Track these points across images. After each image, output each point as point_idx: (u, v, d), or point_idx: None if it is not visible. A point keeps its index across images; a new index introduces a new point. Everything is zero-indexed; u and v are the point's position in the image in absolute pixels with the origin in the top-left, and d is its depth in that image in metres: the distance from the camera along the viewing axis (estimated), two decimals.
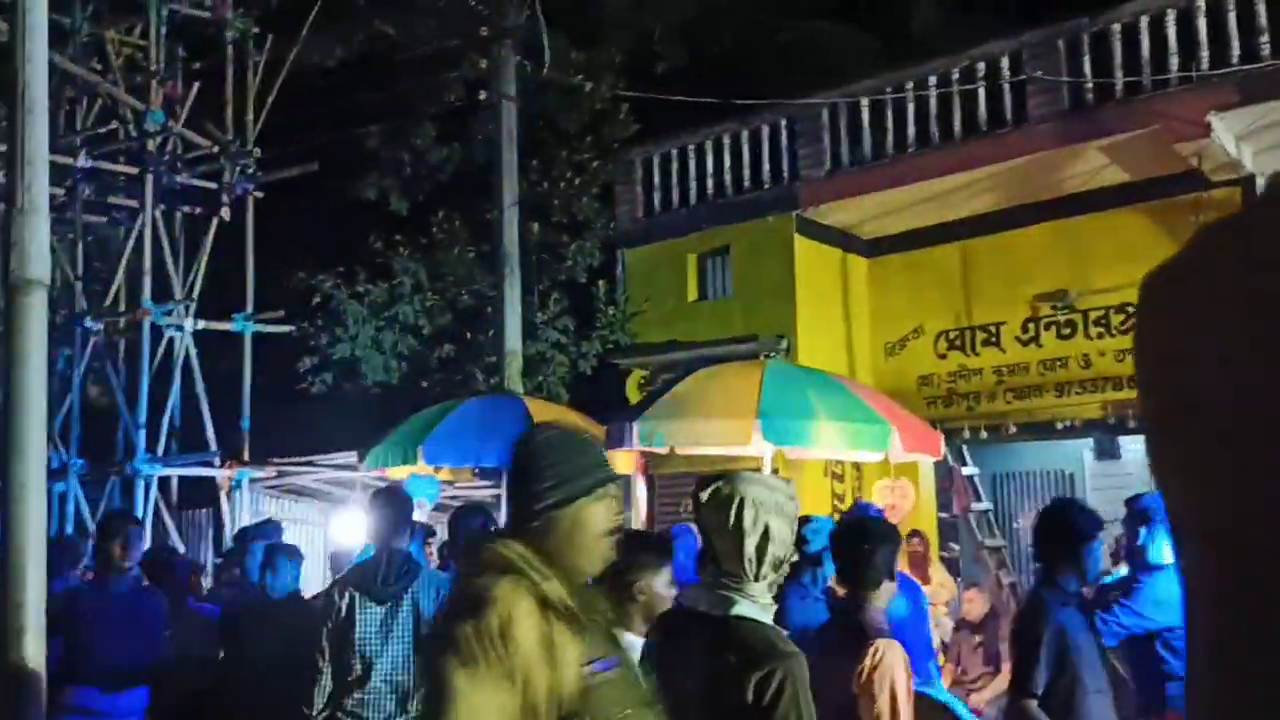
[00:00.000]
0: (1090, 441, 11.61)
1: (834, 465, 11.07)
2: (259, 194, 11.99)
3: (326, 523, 11.70)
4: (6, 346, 3.79)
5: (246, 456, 11.26)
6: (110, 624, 5.08)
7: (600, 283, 12.64)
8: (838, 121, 11.60)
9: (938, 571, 9.25)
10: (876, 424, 7.10)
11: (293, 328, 12.00)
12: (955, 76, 10.88)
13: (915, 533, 10.06)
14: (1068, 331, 10.98)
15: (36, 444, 3.65)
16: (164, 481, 11.38)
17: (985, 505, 11.54)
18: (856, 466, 11.09)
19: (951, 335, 11.74)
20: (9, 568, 3.68)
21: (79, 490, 11.46)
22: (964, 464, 11.65)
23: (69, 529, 11.00)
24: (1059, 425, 10.99)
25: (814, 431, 6.99)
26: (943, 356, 11.77)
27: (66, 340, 11.98)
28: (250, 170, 11.86)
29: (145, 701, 5.34)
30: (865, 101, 11.33)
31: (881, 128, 11.26)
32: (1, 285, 3.73)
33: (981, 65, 10.72)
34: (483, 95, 11.92)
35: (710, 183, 12.40)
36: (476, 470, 10.23)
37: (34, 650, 3.77)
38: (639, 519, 11.29)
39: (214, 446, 11.23)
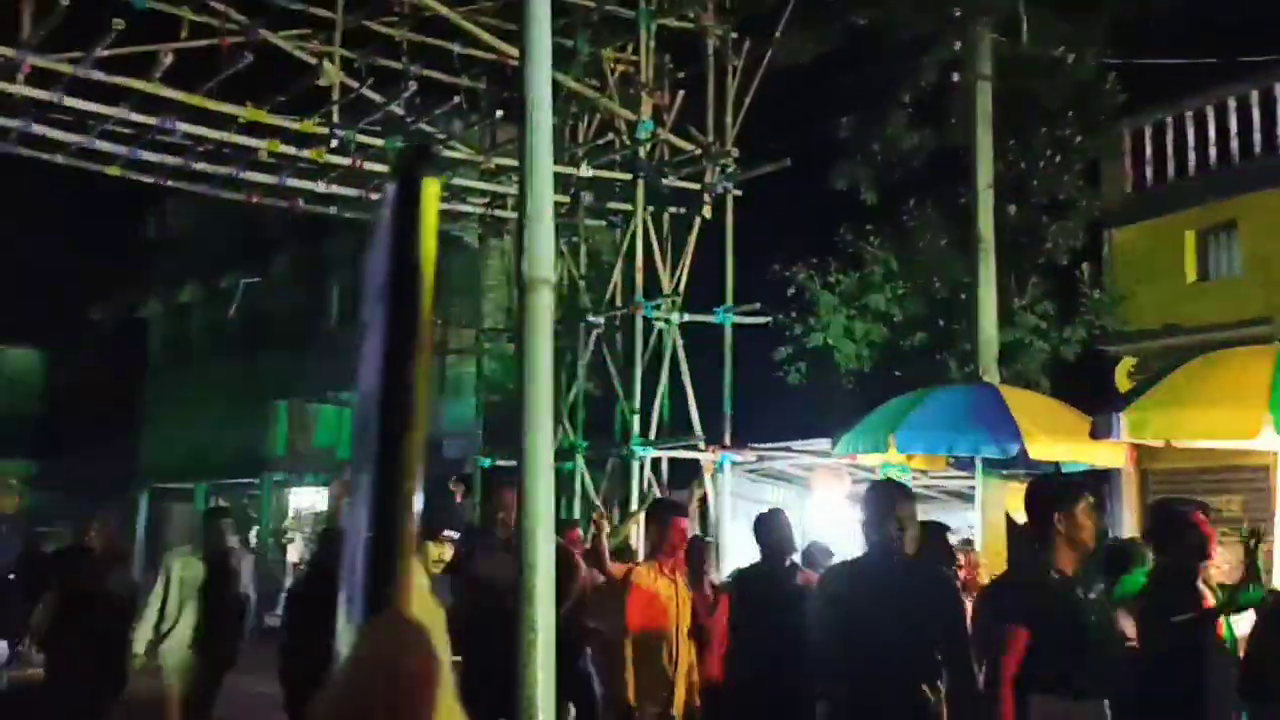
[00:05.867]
0: None
1: None
2: (737, 192, 12.51)
3: (802, 507, 12.03)
4: (520, 339, 4.31)
5: (728, 440, 11.82)
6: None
7: (1084, 265, 11.92)
8: None
9: None
10: None
11: (769, 319, 12.43)
12: None
13: None
14: None
15: (544, 421, 4.13)
16: (655, 462, 12.23)
17: None
18: None
19: None
20: (523, 533, 4.18)
21: (584, 469, 12.63)
22: None
23: (576, 504, 12.18)
24: None
25: None
26: None
27: (572, 334, 13.23)
28: (729, 170, 12.42)
29: None
30: None
31: None
32: (516, 285, 4.28)
33: None
34: (955, 77, 11.66)
35: (1212, 151, 11.27)
36: (951, 459, 10.06)
37: (544, 608, 4.24)
38: (1131, 515, 10.57)
39: (699, 431, 11.90)
